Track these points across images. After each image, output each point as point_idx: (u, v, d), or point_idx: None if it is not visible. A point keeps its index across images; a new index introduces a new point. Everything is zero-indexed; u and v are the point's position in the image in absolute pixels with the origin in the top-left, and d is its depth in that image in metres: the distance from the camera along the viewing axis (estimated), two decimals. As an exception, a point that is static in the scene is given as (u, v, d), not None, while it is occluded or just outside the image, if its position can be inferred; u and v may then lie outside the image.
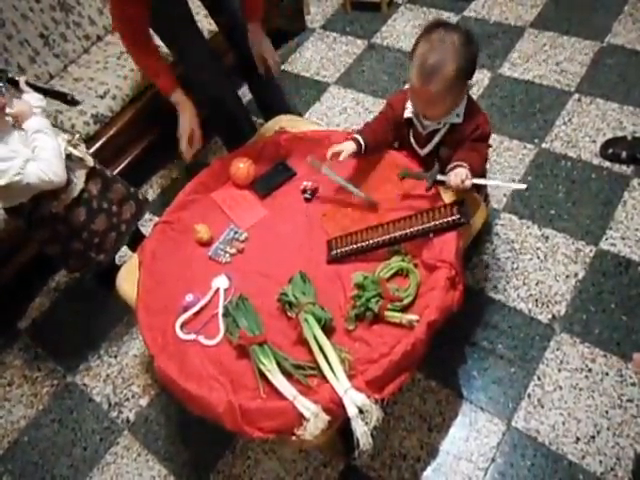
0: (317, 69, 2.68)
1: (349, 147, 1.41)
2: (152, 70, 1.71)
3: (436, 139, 1.38)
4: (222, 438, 1.63)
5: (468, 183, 1.26)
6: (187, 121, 1.70)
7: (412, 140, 1.45)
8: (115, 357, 1.91)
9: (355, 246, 1.37)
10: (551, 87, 2.27)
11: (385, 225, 1.37)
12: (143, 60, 1.70)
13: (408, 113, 1.41)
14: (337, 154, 1.41)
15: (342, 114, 2.43)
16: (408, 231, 1.33)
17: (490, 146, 1.38)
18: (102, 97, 2.13)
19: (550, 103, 2.22)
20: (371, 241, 1.35)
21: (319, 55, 2.75)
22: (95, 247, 1.69)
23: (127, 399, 1.80)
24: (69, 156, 1.54)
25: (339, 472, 1.52)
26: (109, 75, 2.21)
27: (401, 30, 2.73)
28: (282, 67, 2.73)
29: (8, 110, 1.44)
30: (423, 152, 1.43)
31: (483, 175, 1.54)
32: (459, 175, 1.27)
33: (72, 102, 1.67)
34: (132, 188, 1.80)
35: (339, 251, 1.38)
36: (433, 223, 1.31)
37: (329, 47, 2.77)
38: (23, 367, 1.96)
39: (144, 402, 1.78)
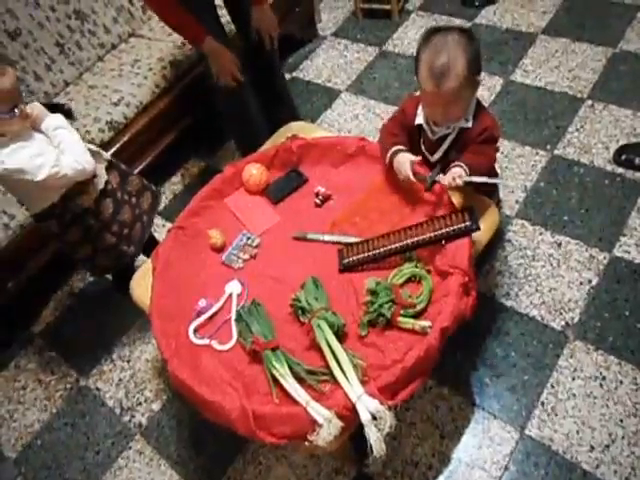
0: (328, 76, 2.70)
1: (409, 160, 1.36)
2: (179, 23, 1.75)
3: (445, 144, 1.39)
4: (234, 443, 1.63)
5: (459, 181, 1.27)
6: (230, 57, 1.81)
7: (423, 147, 1.45)
8: (128, 362, 1.92)
9: (366, 254, 1.36)
10: (563, 93, 2.27)
11: (396, 233, 1.37)
12: (169, 16, 1.75)
13: (419, 119, 1.41)
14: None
15: (353, 120, 2.44)
16: (419, 238, 1.32)
17: (498, 149, 1.37)
18: (116, 104, 2.15)
19: (562, 109, 2.21)
20: (382, 249, 1.35)
21: (330, 62, 2.76)
22: (125, 239, 1.73)
23: (139, 403, 1.81)
24: (88, 150, 1.57)
25: (350, 479, 1.52)
26: (123, 83, 2.24)
27: (412, 37, 2.74)
28: (294, 74, 2.76)
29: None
30: (434, 158, 1.43)
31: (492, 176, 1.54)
32: (452, 173, 1.28)
33: (68, 114, 1.65)
34: (145, 180, 1.84)
35: (350, 260, 1.38)
36: (445, 230, 1.31)
37: (340, 54, 2.79)
38: (37, 371, 1.98)
39: (156, 407, 1.79)
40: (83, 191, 1.58)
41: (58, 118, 1.52)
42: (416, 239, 1.32)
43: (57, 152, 1.47)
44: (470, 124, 1.33)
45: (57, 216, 1.58)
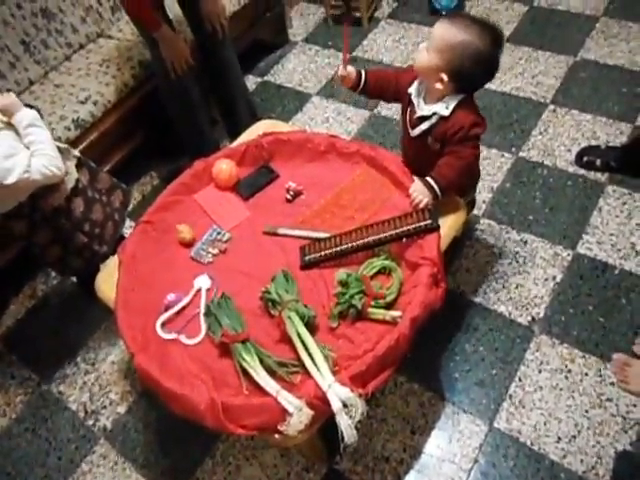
0: (299, 80, 2.71)
1: (351, 69, 1.47)
2: (139, 9, 1.84)
3: (424, 126, 1.41)
4: (202, 445, 1.60)
5: (422, 205, 1.38)
6: (183, 44, 1.96)
7: (407, 117, 1.48)
8: (92, 364, 1.86)
9: (328, 252, 1.37)
10: (527, 99, 2.34)
11: (358, 230, 1.38)
12: (131, 4, 1.85)
13: (412, 89, 1.44)
14: (342, 77, 1.48)
15: (324, 123, 2.46)
16: (381, 236, 1.34)
17: (476, 146, 1.40)
18: (83, 102, 2.12)
19: (527, 114, 2.28)
20: (344, 246, 1.36)
21: (301, 67, 2.79)
22: (97, 238, 1.68)
23: (104, 407, 1.75)
24: (57, 148, 1.53)
25: (321, 476, 1.50)
26: (91, 82, 2.21)
27: (382, 44, 2.79)
28: (265, 78, 2.77)
29: None
30: (413, 134, 1.46)
31: (472, 177, 1.56)
32: (414, 201, 1.39)
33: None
34: (114, 178, 1.81)
35: (312, 257, 1.38)
36: (406, 228, 1.34)
37: (311, 59, 2.81)
38: (-4, 376, 1.90)
39: (122, 409, 1.74)
40: (53, 189, 1.52)
41: (31, 114, 1.46)
42: (377, 237, 1.34)
43: (28, 155, 1.41)
44: (447, 112, 1.35)
45: (25, 216, 1.53)
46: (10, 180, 1.37)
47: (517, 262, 1.83)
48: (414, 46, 2.68)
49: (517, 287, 1.77)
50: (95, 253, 1.69)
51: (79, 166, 1.64)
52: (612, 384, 1.53)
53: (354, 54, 2.76)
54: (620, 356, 1.47)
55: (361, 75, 1.50)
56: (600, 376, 1.56)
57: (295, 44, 2.92)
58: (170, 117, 2.19)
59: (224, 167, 1.58)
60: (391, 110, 2.37)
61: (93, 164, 1.74)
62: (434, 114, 1.38)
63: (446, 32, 1.30)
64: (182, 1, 2.10)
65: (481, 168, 2.09)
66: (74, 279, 2.04)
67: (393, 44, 2.77)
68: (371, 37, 2.84)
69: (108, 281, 1.48)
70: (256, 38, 2.72)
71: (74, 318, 1.99)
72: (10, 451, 1.72)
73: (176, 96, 2.11)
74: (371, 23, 2.91)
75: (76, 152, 1.67)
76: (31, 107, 1.54)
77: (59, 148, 1.54)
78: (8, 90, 2.15)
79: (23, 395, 1.83)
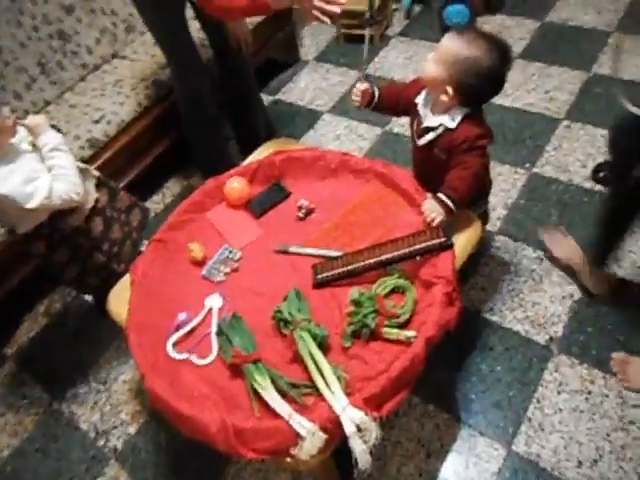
0: (311, 98, 2.72)
1: (366, 85, 1.50)
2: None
3: (430, 136, 1.40)
4: (214, 467, 1.57)
5: (436, 223, 1.34)
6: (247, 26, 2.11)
7: (414, 127, 1.47)
8: (104, 383, 1.85)
9: (340, 270, 1.35)
10: (541, 114, 2.32)
11: (371, 249, 1.36)
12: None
13: (419, 99, 1.44)
14: (363, 91, 1.50)
15: (335, 140, 2.46)
16: (394, 254, 1.32)
17: (484, 156, 1.38)
18: (97, 122, 2.14)
19: (540, 129, 2.26)
20: (356, 265, 1.34)
21: (313, 85, 2.80)
22: (115, 257, 1.70)
23: (115, 427, 1.74)
24: (77, 167, 1.55)
25: (335, 500, 1.46)
26: (105, 101, 2.23)
27: (393, 61, 2.79)
28: (277, 96, 2.78)
29: (24, 121, 1.46)
30: (419, 143, 1.45)
31: (481, 187, 1.54)
32: (428, 216, 1.35)
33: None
34: (133, 197, 1.82)
35: (324, 275, 1.36)
36: (419, 246, 1.31)
37: (323, 77, 2.83)
38: (8, 395, 1.89)
39: (132, 430, 1.72)
40: (73, 210, 1.55)
41: (56, 137, 1.49)
42: (390, 255, 1.32)
43: (50, 179, 1.43)
44: (453, 125, 1.34)
45: (45, 236, 1.54)
46: (32, 204, 1.40)
47: (533, 280, 1.80)
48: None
49: (534, 305, 1.74)
50: (113, 272, 1.69)
51: (99, 185, 1.67)
52: (635, 406, 1.48)
53: (366, 72, 2.76)
54: (619, 355, 1.45)
55: (374, 91, 1.50)
56: (621, 397, 1.51)
57: (307, 63, 2.94)
58: (186, 134, 2.20)
59: (236, 185, 1.57)
60: (403, 127, 2.36)
61: (113, 183, 1.76)
62: (440, 125, 1.37)
63: (453, 46, 1.30)
64: (201, 17, 2.08)
65: (495, 185, 2.08)
66: (89, 298, 2.04)
67: (404, 61, 2.78)
68: (382, 55, 2.85)
69: (120, 300, 1.47)
70: (268, 57, 2.75)
71: (86, 337, 1.98)
72: (21, 471, 1.70)
73: (195, 112, 2.11)
74: (383, 40, 2.92)
75: (96, 172, 1.69)
76: (58, 130, 1.57)
77: (79, 168, 1.56)
78: (26, 112, 2.22)
79: (34, 415, 1.82)
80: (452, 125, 1.35)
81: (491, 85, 1.33)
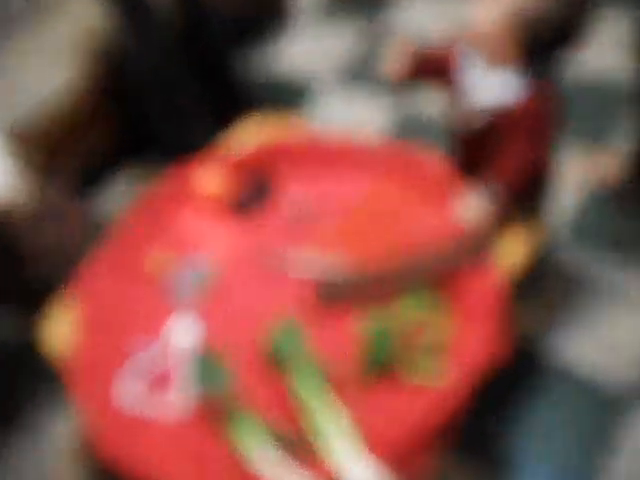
0: (305, 65, 2.79)
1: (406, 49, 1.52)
2: None
3: (477, 110, 1.43)
4: None
5: (474, 225, 1.38)
6: None
7: (453, 101, 1.51)
8: (32, 442, 1.85)
9: (348, 287, 1.37)
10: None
11: (387, 258, 1.38)
12: None
13: (461, 65, 1.47)
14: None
15: (338, 119, 2.51)
16: (418, 266, 1.34)
17: (538, 141, 1.40)
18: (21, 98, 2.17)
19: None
20: (369, 279, 1.36)
21: (307, 49, 2.86)
22: (54, 266, 1.74)
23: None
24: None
25: None
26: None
27: (419, 13, 2.85)
28: (262, 63, 2.82)
29: None
30: (459, 121, 1.49)
31: (543, 180, 1.56)
32: (464, 217, 1.39)
33: None
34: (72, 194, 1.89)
35: (327, 293, 1.38)
36: (451, 256, 1.34)
37: (320, 38, 2.89)
38: None
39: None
40: (4, 215, 1.60)
41: None
42: (412, 267, 1.34)
43: None
44: (509, 98, 1.37)
45: None
46: None
47: (606, 304, 1.82)
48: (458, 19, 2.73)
49: (606, 337, 1.75)
50: (47, 286, 1.72)
51: (35, 187, 1.70)
52: None
53: (374, 29, 2.81)
54: None
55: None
56: None
57: (300, 22, 3.00)
58: (140, 107, 2.22)
59: (211, 180, 1.60)
60: (430, 101, 2.39)
61: (52, 184, 1.81)
62: (491, 98, 1.39)
63: None
64: None
65: (559, 185, 2.12)
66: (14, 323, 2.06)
67: (436, 12, 2.83)
68: (405, 3, 2.90)
69: (56, 327, 1.48)
70: (251, 16, 2.80)
71: (10, 377, 1.99)
72: None
73: (151, 75, 2.13)
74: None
75: (18, 162, 1.72)
76: None
77: (9, 167, 1.61)
78: None
79: None
80: (507, 98, 1.37)
81: (564, 37, 1.32)
